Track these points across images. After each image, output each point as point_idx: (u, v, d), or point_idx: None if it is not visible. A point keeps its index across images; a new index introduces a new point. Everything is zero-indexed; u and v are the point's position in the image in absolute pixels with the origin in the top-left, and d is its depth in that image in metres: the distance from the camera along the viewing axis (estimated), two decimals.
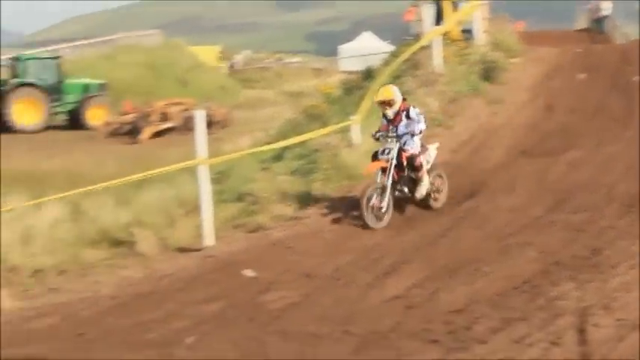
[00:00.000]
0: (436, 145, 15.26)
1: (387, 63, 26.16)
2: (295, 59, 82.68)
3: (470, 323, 9.31)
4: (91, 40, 65.27)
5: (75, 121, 41.07)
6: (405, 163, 14.38)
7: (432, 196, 14.89)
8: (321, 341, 9.27)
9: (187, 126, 28.41)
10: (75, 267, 13.06)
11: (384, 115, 14.75)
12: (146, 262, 13.27)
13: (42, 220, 14.57)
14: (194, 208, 14.30)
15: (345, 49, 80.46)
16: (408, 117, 14.49)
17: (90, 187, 13.82)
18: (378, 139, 14.72)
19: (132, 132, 37.23)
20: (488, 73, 23.64)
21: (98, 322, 10.93)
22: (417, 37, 25.53)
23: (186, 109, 37.05)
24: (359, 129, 18.34)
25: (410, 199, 14.76)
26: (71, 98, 41.08)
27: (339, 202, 15.14)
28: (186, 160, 14.33)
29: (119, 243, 13.92)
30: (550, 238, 12.52)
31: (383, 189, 14.05)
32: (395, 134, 14.45)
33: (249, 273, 12.21)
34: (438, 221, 14.31)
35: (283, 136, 21.59)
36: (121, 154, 30.60)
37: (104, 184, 13.87)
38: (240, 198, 15.43)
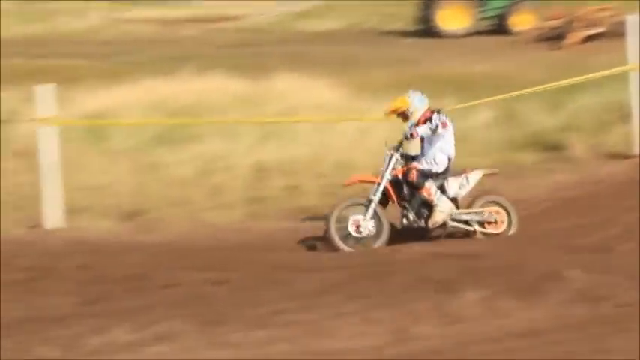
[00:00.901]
0: (481, 171, 11.32)
1: None
2: None
3: None
4: None
5: (499, 27, 41.13)
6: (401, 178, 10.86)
7: (480, 228, 11.00)
8: None
9: (616, 32, 27.59)
10: (507, 169, 13.21)
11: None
12: (576, 167, 13.19)
13: (473, 122, 14.87)
14: (624, 115, 13.95)
15: None
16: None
17: (519, 92, 13.88)
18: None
19: (557, 38, 36.70)
20: None
21: (532, 224, 11.05)
22: None
23: (614, 15, 35.93)
24: None
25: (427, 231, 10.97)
26: (498, 4, 41.05)
27: None
28: (614, 67, 13.95)
29: (550, 147, 13.90)
30: None
31: (368, 204, 10.63)
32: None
33: None
34: None
35: None
36: (546, 59, 30.24)
37: (533, 89, 13.85)
38: None
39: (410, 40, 38.13)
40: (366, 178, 10.93)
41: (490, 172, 11.51)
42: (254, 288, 8.87)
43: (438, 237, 10.93)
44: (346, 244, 10.46)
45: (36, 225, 11.97)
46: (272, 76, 20.20)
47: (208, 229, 11.82)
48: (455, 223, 10.94)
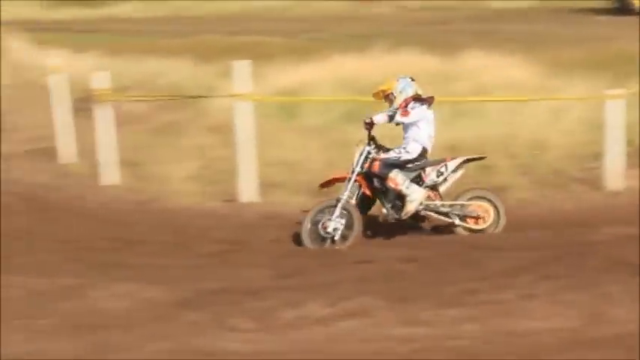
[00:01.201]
0: (461, 158, 10.82)
1: None
2: None
3: None
4: None
5: None
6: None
7: (461, 222, 10.59)
8: None
9: None
10: None
11: None
12: None
13: None
14: None
15: None
16: None
17: None
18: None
19: None
20: None
21: None
22: None
23: None
24: None
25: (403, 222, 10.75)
26: None
27: None
28: None
29: None
30: None
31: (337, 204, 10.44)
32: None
33: None
34: None
35: None
36: None
37: None
38: None
39: (603, 18, 37.22)
40: (341, 176, 10.67)
41: (473, 158, 10.99)
42: (445, 267, 8.89)
43: None
44: (318, 245, 10.32)
45: (231, 198, 12.30)
46: (462, 54, 20.04)
47: None
48: (430, 213, 10.64)
